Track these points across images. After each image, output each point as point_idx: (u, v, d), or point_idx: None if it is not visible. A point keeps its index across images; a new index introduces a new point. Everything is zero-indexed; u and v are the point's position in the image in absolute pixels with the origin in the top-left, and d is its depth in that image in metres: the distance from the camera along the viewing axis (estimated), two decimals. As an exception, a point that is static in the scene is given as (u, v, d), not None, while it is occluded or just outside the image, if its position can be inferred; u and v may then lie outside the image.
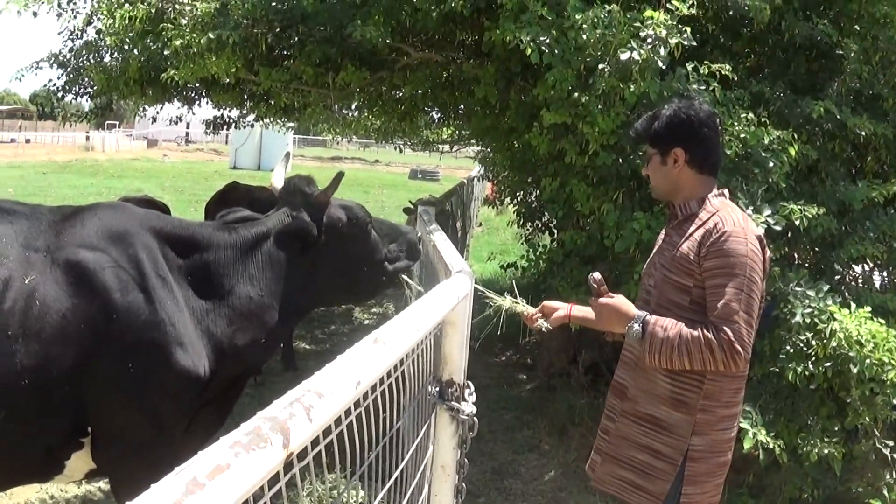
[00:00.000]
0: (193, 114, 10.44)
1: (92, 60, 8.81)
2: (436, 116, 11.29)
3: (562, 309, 3.74)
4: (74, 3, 8.45)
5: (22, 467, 3.55)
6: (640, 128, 3.64)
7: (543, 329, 3.92)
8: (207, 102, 9.68)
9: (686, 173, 3.46)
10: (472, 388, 3.00)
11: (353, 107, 10.30)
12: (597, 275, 3.54)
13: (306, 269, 4.00)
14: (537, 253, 6.46)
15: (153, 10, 6.38)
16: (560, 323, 3.77)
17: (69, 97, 9.71)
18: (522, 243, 9.27)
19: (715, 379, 3.34)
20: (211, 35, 5.91)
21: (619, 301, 3.49)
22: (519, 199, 8.71)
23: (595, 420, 4.53)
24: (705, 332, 3.18)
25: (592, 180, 5.63)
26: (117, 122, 59.65)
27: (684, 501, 3.42)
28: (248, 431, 1.14)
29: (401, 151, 30.30)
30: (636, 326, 3.33)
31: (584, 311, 3.70)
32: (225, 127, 11.14)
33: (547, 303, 3.82)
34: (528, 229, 8.92)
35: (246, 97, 8.86)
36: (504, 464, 6.21)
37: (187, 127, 58.32)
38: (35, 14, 7.99)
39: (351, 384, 1.58)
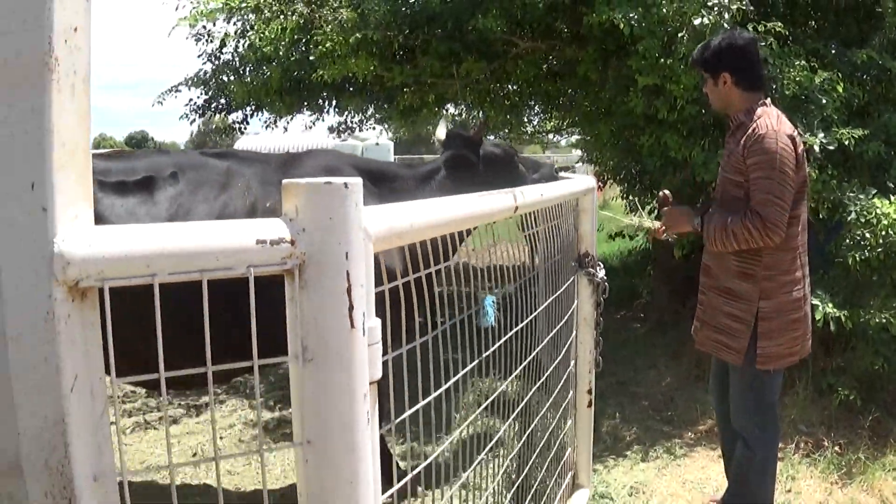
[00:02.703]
0: (322, 120, 12.09)
1: (231, 77, 10.54)
2: (538, 110, 12.87)
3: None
4: (214, 26, 10.19)
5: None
6: (695, 56, 4.62)
7: (671, 239, 5.44)
8: (336, 108, 11.46)
9: (734, 91, 4.42)
10: (602, 265, 4.60)
11: (464, 106, 12.02)
12: (666, 191, 4.84)
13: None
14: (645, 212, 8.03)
15: (302, 20, 8.11)
16: (681, 229, 4.67)
17: (209, 113, 11.60)
18: (628, 212, 10.91)
19: (771, 253, 4.28)
20: (358, 35, 7.64)
21: (681, 208, 4.64)
22: (623, 169, 10.04)
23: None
24: (744, 218, 4.13)
25: (682, 132, 7.07)
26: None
27: (760, 353, 4.33)
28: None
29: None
30: (697, 222, 4.43)
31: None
32: (349, 132, 12.91)
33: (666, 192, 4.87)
34: (632, 200, 10.49)
35: (373, 99, 10.65)
36: (628, 379, 7.76)
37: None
38: (198, 38, 9.96)
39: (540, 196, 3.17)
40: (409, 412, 2.05)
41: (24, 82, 1.16)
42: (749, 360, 4.39)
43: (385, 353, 1.65)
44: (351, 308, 1.42)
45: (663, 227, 4.80)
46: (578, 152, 18.46)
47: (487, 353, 2.69)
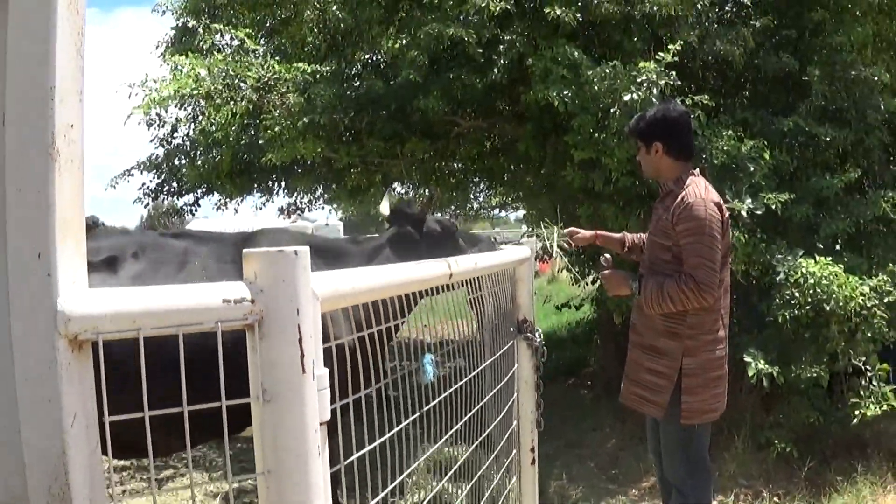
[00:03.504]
0: (272, 201, 12.35)
1: (184, 161, 10.88)
2: (483, 186, 13.24)
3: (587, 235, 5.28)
4: (166, 112, 10.55)
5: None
6: (631, 126, 4.93)
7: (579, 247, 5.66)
8: (285, 189, 11.74)
9: (665, 160, 4.70)
10: (540, 331, 4.90)
11: (410, 186, 12.36)
12: (607, 255, 5.16)
13: None
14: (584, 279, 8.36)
15: (251, 106, 8.41)
16: (620, 291, 4.98)
17: (161, 197, 11.92)
18: (573, 284, 11.23)
19: (696, 314, 4.52)
20: (305, 119, 7.96)
21: (620, 272, 4.97)
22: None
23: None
24: (679, 281, 4.39)
25: (618, 203, 7.41)
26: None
27: (685, 408, 4.56)
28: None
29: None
30: (634, 285, 4.69)
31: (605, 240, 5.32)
32: (297, 213, 13.18)
33: (573, 230, 5.35)
34: (575, 269, 10.83)
35: (322, 180, 10.96)
36: (574, 441, 7.99)
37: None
38: (150, 123, 10.27)
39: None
40: (358, 454, 2.30)
41: (31, 170, 1.45)
42: (674, 415, 4.62)
43: (333, 401, 1.92)
44: (302, 356, 1.70)
45: (575, 239, 5.35)
46: (525, 228, 18.86)
47: (430, 407, 2.92)
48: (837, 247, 7.22)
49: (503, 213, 20.66)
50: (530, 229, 11.63)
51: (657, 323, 4.68)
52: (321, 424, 1.80)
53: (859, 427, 6.69)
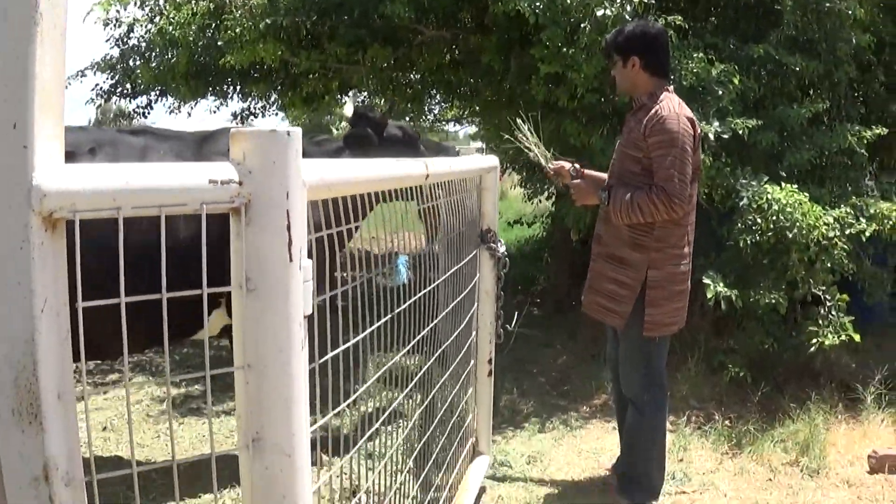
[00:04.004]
0: (227, 105, 12.13)
1: (139, 62, 10.60)
2: (440, 99, 13.11)
3: (567, 166, 5.09)
4: (125, 10, 10.28)
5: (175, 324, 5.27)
6: (609, 40, 4.89)
7: (561, 185, 5.60)
8: (240, 94, 11.53)
9: (641, 75, 4.70)
10: (503, 242, 4.87)
11: (365, 94, 12.20)
12: (576, 164, 5.13)
13: None
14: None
15: (212, 5, 8.21)
16: (588, 200, 5.00)
17: (114, 99, 11.68)
18: (526, 200, 11.21)
19: (663, 226, 4.57)
20: (268, 21, 7.77)
21: (590, 181, 5.01)
22: (523, 157, 10.26)
23: (596, 325, 6.16)
24: (649, 192, 4.41)
25: (582, 120, 7.36)
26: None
27: (647, 320, 4.64)
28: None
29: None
30: (603, 195, 4.73)
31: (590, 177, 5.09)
32: (252, 118, 12.96)
33: (557, 162, 5.19)
34: (529, 188, 10.75)
35: (277, 86, 10.77)
36: (525, 357, 8.02)
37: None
38: (106, 23, 9.99)
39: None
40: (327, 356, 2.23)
41: (11, 33, 1.33)
42: (635, 327, 4.69)
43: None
44: (290, 243, 1.61)
45: (552, 171, 5.19)
46: (477, 144, 18.74)
47: (391, 316, 2.85)
48: (800, 177, 7.21)
49: (455, 129, 20.56)
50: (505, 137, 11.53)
51: (623, 234, 4.72)
52: (305, 318, 1.72)
53: (812, 356, 6.72)
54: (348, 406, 2.44)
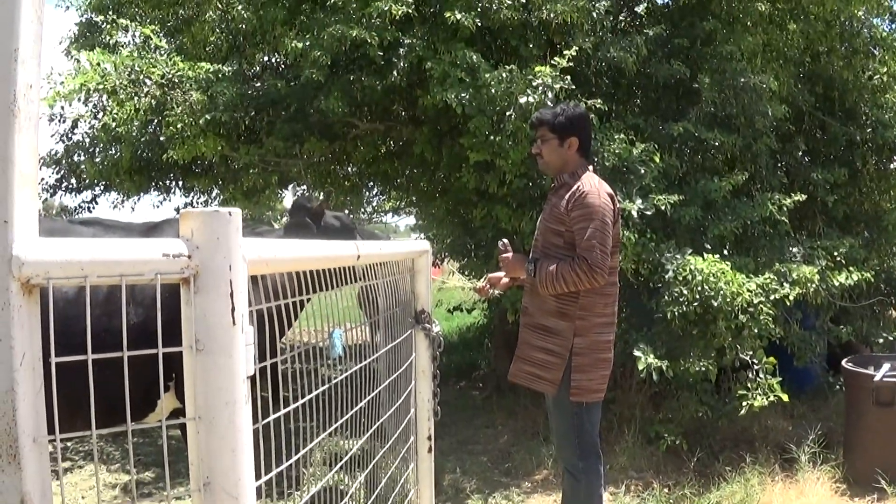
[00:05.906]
0: (170, 200, 12.30)
1: (83, 157, 10.84)
2: (377, 191, 13.43)
3: (502, 275, 5.31)
4: (70, 106, 10.44)
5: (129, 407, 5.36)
6: (547, 118, 5.05)
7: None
8: (183, 189, 11.72)
9: (574, 156, 4.98)
10: (438, 322, 5.07)
11: (304, 188, 12.45)
12: (505, 241, 5.32)
13: None
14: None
15: (154, 102, 8.42)
16: (505, 287, 5.39)
17: (59, 193, 11.86)
18: (464, 289, 11.50)
19: (587, 295, 4.79)
20: (208, 117, 8.01)
21: (518, 256, 5.20)
22: (458, 245, 10.42)
23: (536, 404, 6.36)
24: (572, 262, 4.65)
25: (512, 205, 7.65)
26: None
27: (574, 385, 4.80)
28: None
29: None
30: (529, 268, 4.93)
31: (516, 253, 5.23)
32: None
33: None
34: (468, 275, 10.99)
35: (219, 180, 10.99)
36: (467, 438, 8.21)
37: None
38: (51, 119, 10.24)
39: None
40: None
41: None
42: (565, 392, 4.85)
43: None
44: (233, 308, 1.85)
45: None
46: (415, 235, 19.05)
47: (332, 385, 3.07)
48: (725, 248, 7.56)
49: (394, 221, 20.89)
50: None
51: (549, 303, 4.92)
52: (247, 377, 1.95)
53: (747, 420, 7.01)
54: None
